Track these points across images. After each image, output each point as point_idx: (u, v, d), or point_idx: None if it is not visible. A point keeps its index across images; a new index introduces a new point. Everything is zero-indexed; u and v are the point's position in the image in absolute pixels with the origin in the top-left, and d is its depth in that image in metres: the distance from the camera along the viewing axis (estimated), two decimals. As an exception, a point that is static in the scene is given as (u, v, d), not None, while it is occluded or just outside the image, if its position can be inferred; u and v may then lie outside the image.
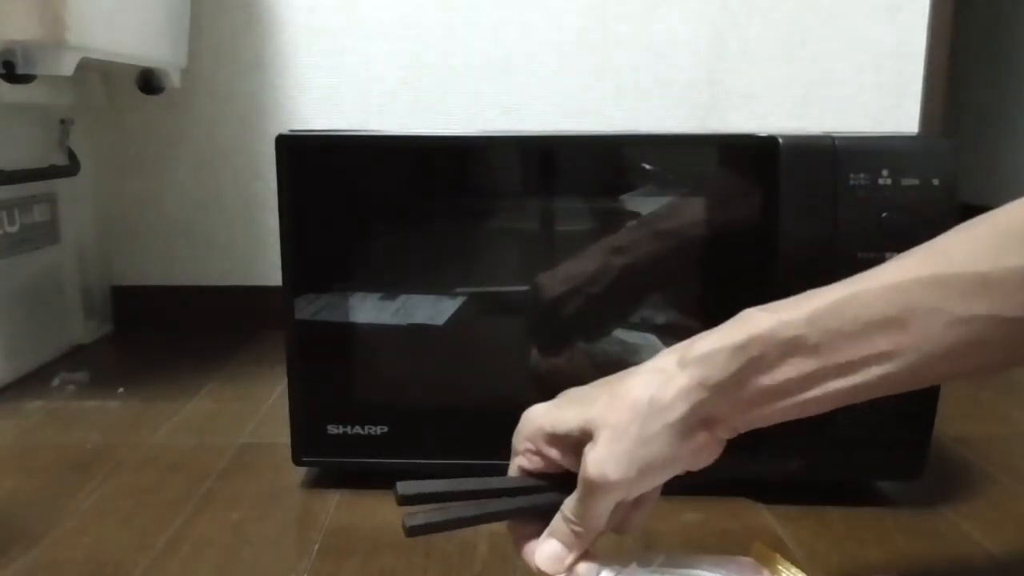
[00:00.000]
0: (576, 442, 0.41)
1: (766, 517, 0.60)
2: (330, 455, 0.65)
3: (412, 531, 0.41)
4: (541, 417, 0.44)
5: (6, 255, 0.96)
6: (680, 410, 0.40)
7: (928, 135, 1.15)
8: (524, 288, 0.65)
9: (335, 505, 0.63)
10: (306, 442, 0.65)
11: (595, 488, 0.40)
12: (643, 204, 0.62)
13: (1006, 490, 0.66)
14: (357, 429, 0.64)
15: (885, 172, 0.58)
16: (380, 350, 0.65)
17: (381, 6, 1.16)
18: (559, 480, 0.43)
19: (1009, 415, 0.85)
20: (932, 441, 0.61)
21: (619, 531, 0.44)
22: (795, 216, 0.58)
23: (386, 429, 0.64)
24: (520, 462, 0.45)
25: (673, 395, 0.40)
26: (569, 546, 0.42)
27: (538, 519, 0.44)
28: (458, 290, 0.64)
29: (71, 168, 1.06)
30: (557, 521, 0.43)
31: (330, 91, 1.18)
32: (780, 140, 0.58)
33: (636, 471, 0.40)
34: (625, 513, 0.44)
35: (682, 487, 0.43)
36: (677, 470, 0.41)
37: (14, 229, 0.97)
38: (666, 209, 0.62)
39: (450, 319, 0.64)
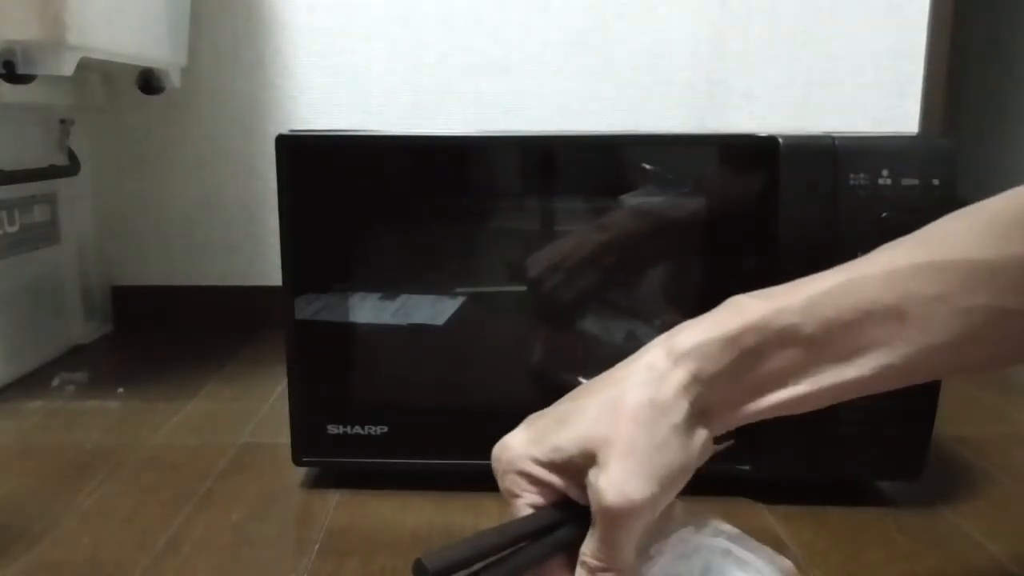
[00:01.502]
0: (576, 469, 0.37)
1: (766, 517, 0.60)
2: (330, 455, 0.65)
3: None
4: (525, 446, 0.39)
5: (6, 255, 0.96)
6: (682, 408, 0.36)
7: (928, 135, 1.15)
8: (524, 288, 0.65)
9: (335, 505, 0.63)
10: (306, 442, 0.65)
11: (619, 516, 0.35)
12: (643, 204, 0.62)
13: (1006, 490, 0.66)
14: (357, 429, 0.64)
15: (885, 172, 0.58)
16: (380, 350, 0.65)
17: (381, 6, 1.16)
18: (574, 508, 0.38)
19: (1009, 415, 0.85)
20: (932, 441, 0.61)
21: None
22: (795, 216, 0.58)
23: (386, 429, 0.64)
24: (524, 501, 0.39)
25: (672, 393, 0.36)
26: None
27: (566, 560, 0.39)
28: (458, 290, 0.64)
29: (71, 168, 1.06)
30: (581, 573, 0.37)
31: (330, 91, 1.18)
32: (780, 140, 0.58)
33: (658, 484, 0.35)
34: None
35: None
36: (690, 473, 0.38)
37: (14, 229, 0.97)
38: (678, 211, 0.62)
39: (450, 319, 0.64)
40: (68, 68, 0.84)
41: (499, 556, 0.38)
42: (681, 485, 0.38)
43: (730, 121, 1.18)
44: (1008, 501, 0.64)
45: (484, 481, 0.64)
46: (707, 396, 0.37)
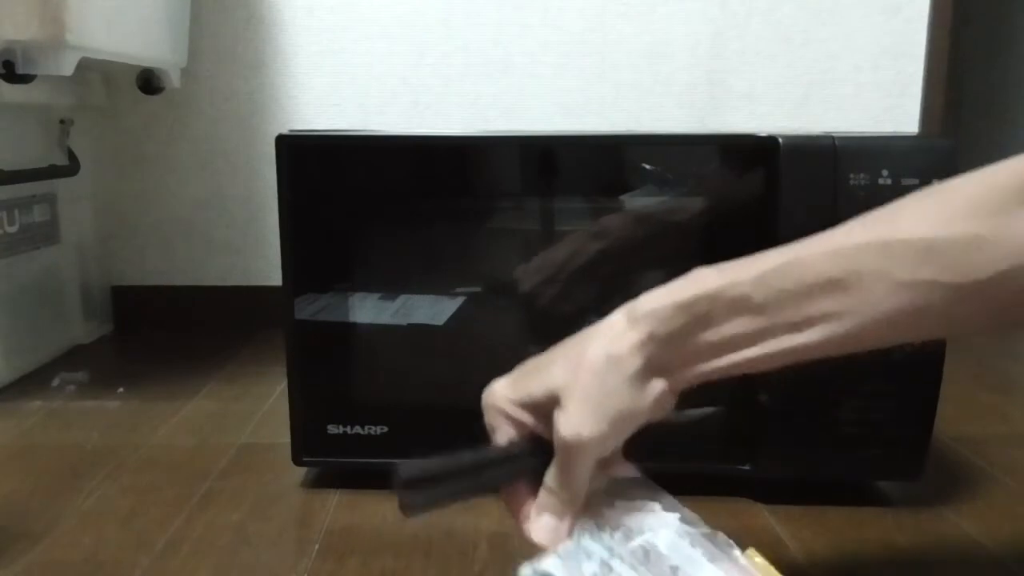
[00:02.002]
0: (546, 409, 0.42)
1: (766, 517, 0.60)
2: (330, 455, 0.65)
3: (410, 511, 0.43)
4: (505, 389, 0.45)
5: (6, 255, 0.96)
6: (635, 363, 0.41)
7: (928, 135, 1.15)
8: (524, 288, 0.65)
9: (335, 505, 0.63)
10: (306, 442, 0.65)
11: (571, 449, 0.41)
12: (643, 204, 0.62)
13: (1006, 490, 0.66)
14: (357, 429, 0.64)
15: (885, 172, 0.58)
16: (380, 350, 0.65)
17: (381, 6, 1.16)
18: (545, 445, 0.44)
19: (1009, 415, 0.85)
20: (932, 441, 0.61)
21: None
22: (795, 216, 0.58)
23: (386, 429, 0.64)
24: (501, 434, 0.45)
25: (627, 349, 0.41)
26: (560, 516, 0.43)
27: (531, 486, 0.44)
28: (458, 290, 0.64)
29: (71, 168, 1.06)
30: (543, 495, 0.43)
31: (330, 91, 1.18)
32: (780, 140, 0.58)
33: (607, 424, 0.41)
34: (600, 469, 0.44)
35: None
36: (642, 420, 0.42)
37: (14, 229, 0.97)
38: (678, 211, 0.62)
39: (450, 319, 0.64)
40: (68, 68, 0.84)
41: (470, 473, 0.44)
42: (631, 428, 0.42)
43: (730, 121, 1.18)
44: (1008, 501, 0.64)
45: (484, 481, 0.64)
46: (661, 354, 0.41)
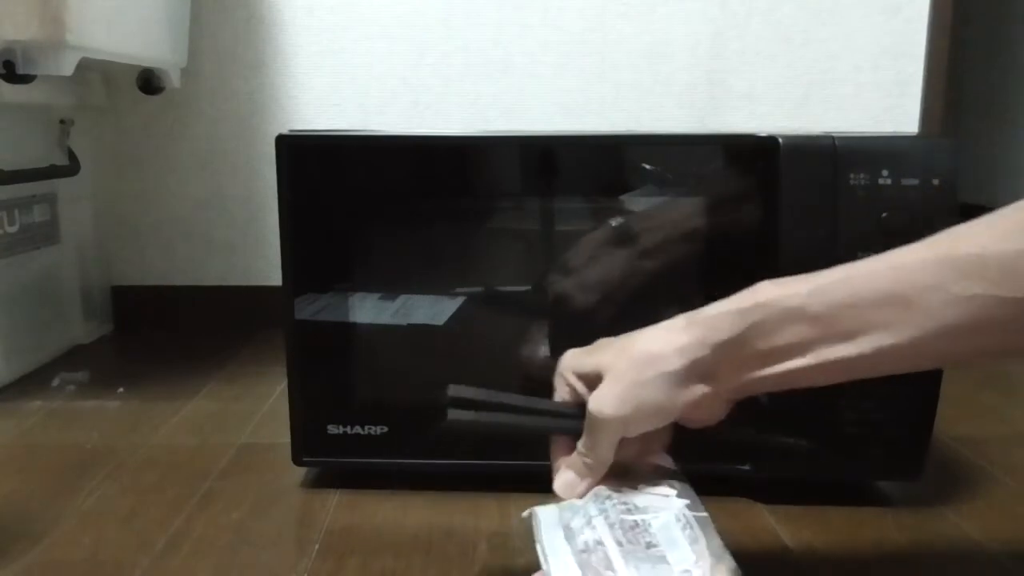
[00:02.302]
0: (593, 383, 0.46)
1: (766, 517, 0.60)
2: (330, 455, 0.65)
3: (452, 424, 0.47)
4: (570, 359, 0.49)
5: (6, 255, 0.96)
6: (676, 363, 0.44)
7: (928, 135, 1.15)
8: (524, 288, 0.65)
9: (335, 505, 0.63)
10: (306, 442, 0.65)
11: (594, 422, 0.45)
12: (643, 204, 0.62)
13: (1006, 490, 0.66)
14: (357, 429, 0.64)
15: (885, 172, 0.58)
16: (380, 350, 0.65)
17: (381, 6, 1.16)
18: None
19: (1009, 415, 0.85)
20: (932, 441, 0.61)
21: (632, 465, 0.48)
22: (795, 216, 0.58)
23: (386, 429, 0.64)
24: (558, 396, 0.49)
25: (672, 348, 0.44)
26: (581, 475, 0.47)
27: (570, 445, 0.48)
28: (458, 290, 0.64)
29: (71, 168, 1.06)
30: (573, 455, 0.48)
31: (330, 91, 1.18)
32: (780, 140, 0.58)
33: (630, 410, 0.44)
34: (636, 451, 0.48)
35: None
36: (671, 416, 0.45)
37: (14, 229, 0.97)
38: (679, 211, 0.62)
39: (450, 319, 0.64)
40: (68, 68, 0.84)
41: (516, 412, 0.48)
42: (658, 421, 0.46)
43: (730, 121, 1.18)
44: (1008, 501, 0.64)
45: (484, 481, 0.64)
46: (710, 359, 0.43)
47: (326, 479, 0.67)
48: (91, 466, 0.70)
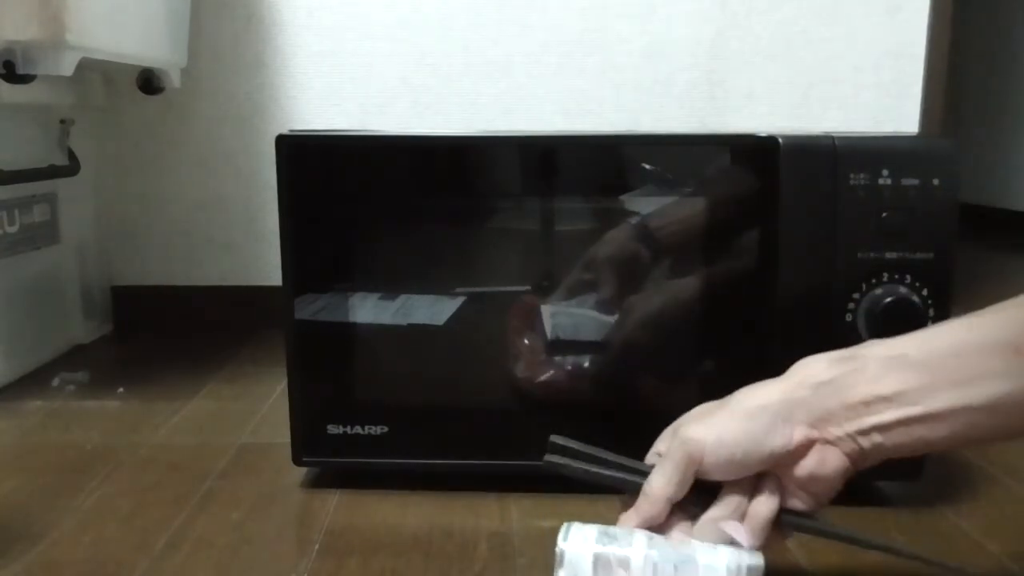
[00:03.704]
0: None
1: (766, 517, 0.60)
2: (330, 455, 0.65)
3: (547, 468, 0.47)
4: (681, 420, 0.46)
5: (6, 255, 0.96)
6: (777, 398, 0.43)
7: (928, 135, 1.15)
8: (524, 288, 0.65)
9: (335, 505, 0.63)
10: (306, 442, 0.65)
11: (670, 447, 0.44)
12: (643, 204, 0.62)
13: (1006, 490, 0.66)
14: (357, 429, 0.64)
15: (885, 172, 0.58)
16: (380, 350, 0.65)
17: (381, 6, 1.16)
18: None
19: (1009, 415, 0.85)
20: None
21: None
22: (795, 216, 0.58)
23: (386, 429, 0.64)
24: (654, 453, 0.47)
25: (776, 389, 0.43)
26: (638, 512, 0.45)
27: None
28: (458, 290, 0.64)
29: (71, 168, 1.06)
30: (639, 497, 0.45)
31: (330, 91, 1.18)
32: (780, 140, 0.58)
33: (714, 434, 0.42)
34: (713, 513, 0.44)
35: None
36: (764, 456, 0.42)
37: (14, 229, 0.97)
38: (679, 211, 0.62)
39: (450, 319, 0.64)
40: (68, 68, 0.84)
41: (608, 467, 0.47)
42: (749, 459, 0.42)
43: (730, 121, 1.18)
44: (1008, 501, 0.64)
45: (484, 481, 0.64)
46: (811, 398, 0.42)
47: (326, 479, 0.67)
48: (91, 466, 0.70)
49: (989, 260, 1.99)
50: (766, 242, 0.59)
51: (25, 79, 0.83)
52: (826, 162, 0.58)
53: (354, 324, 0.64)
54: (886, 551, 0.48)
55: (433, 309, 0.64)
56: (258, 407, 0.85)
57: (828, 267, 0.58)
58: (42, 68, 0.82)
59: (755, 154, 0.60)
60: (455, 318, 0.63)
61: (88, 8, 0.84)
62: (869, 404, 0.41)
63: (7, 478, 0.68)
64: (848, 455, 0.42)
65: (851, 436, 0.42)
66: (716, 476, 0.44)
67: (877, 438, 0.41)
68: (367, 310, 0.64)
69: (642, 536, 0.44)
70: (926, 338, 0.41)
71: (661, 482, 0.44)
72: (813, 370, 0.43)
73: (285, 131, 0.62)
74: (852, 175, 0.58)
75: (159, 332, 1.18)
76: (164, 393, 0.90)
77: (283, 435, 0.65)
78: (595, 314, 0.63)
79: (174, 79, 1.11)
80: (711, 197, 0.61)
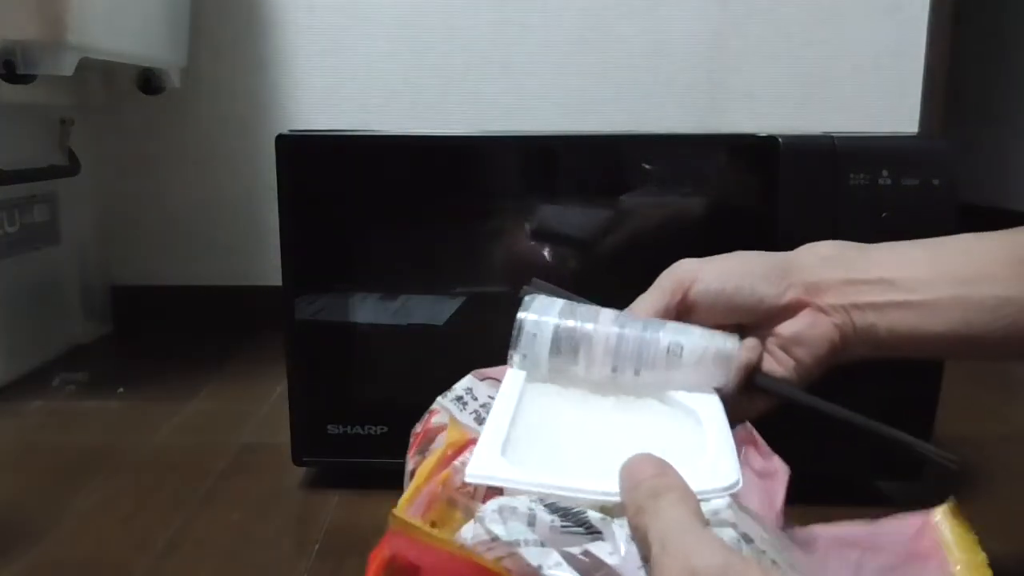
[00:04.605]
0: None
1: (766, 517, 0.60)
2: (330, 455, 0.65)
3: (525, 292, 0.45)
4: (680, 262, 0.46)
5: (6, 255, 0.96)
6: (778, 256, 0.43)
7: (928, 135, 1.15)
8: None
9: (335, 505, 0.63)
10: (306, 442, 0.65)
11: (666, 273, 0.43)
12: (643, 204, 0.62)
13: (1006, 490, 0.66)
14: (357, 429, 0.64)
15: (885, 172, 0.58)
16: (380, 350, 0.65)
17: (381, 6, 1.16)
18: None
19: (1009, 415, 0.85)
20: (932, 441, 0.61)
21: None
22: (795, 216, 0.58)
23: (386, 429, 0.64)
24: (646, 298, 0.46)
25: (778, 252, 0.44)
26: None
27: None
28: (458, 290, 0.64)
29: (71, 168, 1.06)
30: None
31: (330, 91, 1.18)
32: (780, 140, 0.58)
33: (708, 266, 0.42)
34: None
35: None
36: (753, 300, 0.42)
37: (14, 229, 0.97)
38: (678, 211, 0.62)
39: (450, 319, 0.63)
40: (68, 68, 0.84)
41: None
42: (735, 300, 0.42)
43: (730, 121, 1.18)
44: (1008, 501, 0.64)
45: (484, 481, 0.64)
46: (813, 268, 0.42)
47: (326, 479, 0.67)
48: (91, 466, 0.70)
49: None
50: (766, 242, 0.59)
51: (25, 79, 0.83)
52: (826, 162, 0.58)
53: (354, 324, 0.64)
54: (851, 424, 0.46)
55: (433, 309, 0.64)
56: (258, 407, 0.85)
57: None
58: (42, 68, 0.82)
59: (755, 154, 0.60)
60: (455, 318, 0.63)
61: (88, 8, 0.84)
62: (869, 282, 0.41)
63: (7, 478, 0.68)
64: (838, 327, 0.42)
65: (845, 308, 0.41)
66: (701, 313, 0.42)
67: (871, 316, 0.41)
68: (367, 310, 0.64)
69: (609, 313, 0.42)
70: (935, 241, 0.41)
71: (646, 303, 0.42)
72: (819, 247, 0.43)
73: (285, 131, 0.62)
74: (852, 175, 0.58)
75: (159, 332, 1.18)
76: (164, 393, 0.90)
77: (283, 435, 0.65)
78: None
79: (174, 79, 1.11)
80: (711, 197, 0.61)
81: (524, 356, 0.41)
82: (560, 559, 0.28)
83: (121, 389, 0.92)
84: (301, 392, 0.64)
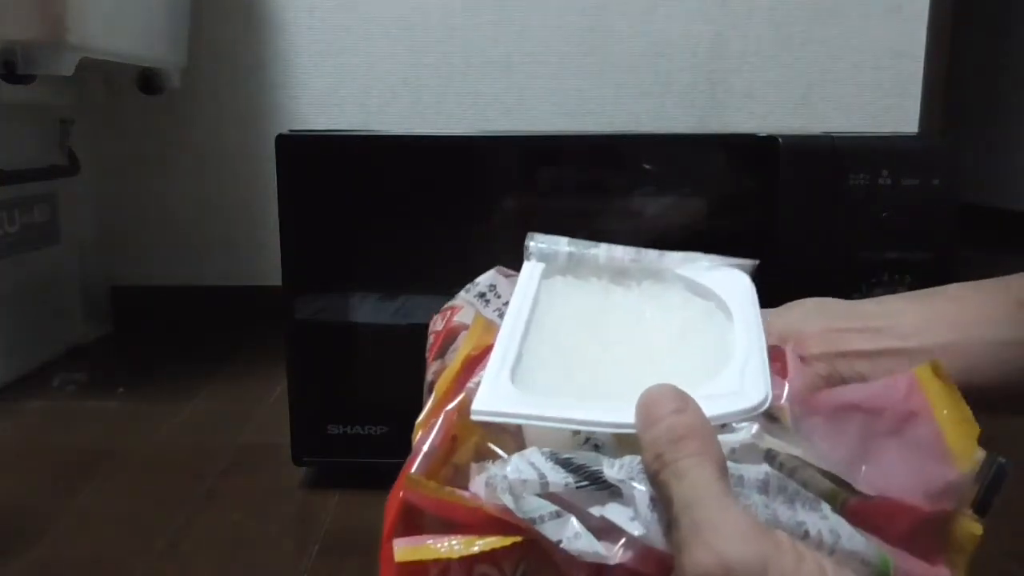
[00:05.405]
0: None
1: (766, 517, 0.60)
2: (330, 455, 0.65)
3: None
4: None
5: (6, 255, 0.96)
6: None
7: (928, 135, 1.15)
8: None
9: (335, 505, 0.63)
10: (306, 442, 0.65)
11: None
12: (643, 204, 0.62)
13: (1006, 490, 0.66)
14: (357, 429, 0.64)
15: (885, 172, 0.58)
16: (380, 350, 0.65)
17: (381, 6, 1.16)
18: None
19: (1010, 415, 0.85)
20: (932, 441, 0.61)
21: None
22: (795, 216, 0.58)
23: (386, 429, 0.64)
24: None
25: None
26: None
27: None
28: (458, 290, 0.64)
29: (71, 168, 1.06)
30: None
31: (330, 91, 1.18)
32: (780, 140, 0.58)
33: None
34: None
35: None
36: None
37: (14, 229, 0.97)
38: (678, 210, 0.62)
39: (450, 319, 0.63)
40: (68, 68, 0.84)
41: None
42: None
43: (730, 121, 1.18)
44: (1008, 501, 0.64)
45: (484, 481, 0.64)
46: (791, 320, 0.39)
47: (326, 479, 0.67)
48: (91, 466, 0.70)
49: (989, 260, 1.99)
50: (766, 242, 0.59)
51: (25, 79, 0.83)
52: (826, 162, 0.58)
53: (354, 324, 0.64)
54: None
55: (433, 309, 0.64)
56: (258, 407, 0.85)
57: (828, 267, 0.58)
58: (42, 68, 0.82)
59: (755, 154, 0.60)
60: (455, 318, 0.63)
61: (88, 8, 0.84)
62: (854, 331, 0.37)
63: (7, 478, 0.68)
64: (824, 379, 0.37)
65: (829, 356, 0.37)
66: None
67: (859, 366, 0.37)
68: (367, 310, 0.64)
69: (619, 249, 0.41)
70: (924, 292, 0.38)
71: None
72: (803, 301, 0.39)
73: (285, 131, 0.62)
74: (852, 175, 0.58)
75: (159, 332, 1.18)
76: (164, 393, 0.90)
77: (283, 435, 0.65)
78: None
79: (174, 79, 1.11)
80: (711, 197, 0.61)
81: (542, 246, 0.41)
82: (579, 528, 0.26)
83: (121, 389, 0.92)
84: (301, 392, 0.64)
